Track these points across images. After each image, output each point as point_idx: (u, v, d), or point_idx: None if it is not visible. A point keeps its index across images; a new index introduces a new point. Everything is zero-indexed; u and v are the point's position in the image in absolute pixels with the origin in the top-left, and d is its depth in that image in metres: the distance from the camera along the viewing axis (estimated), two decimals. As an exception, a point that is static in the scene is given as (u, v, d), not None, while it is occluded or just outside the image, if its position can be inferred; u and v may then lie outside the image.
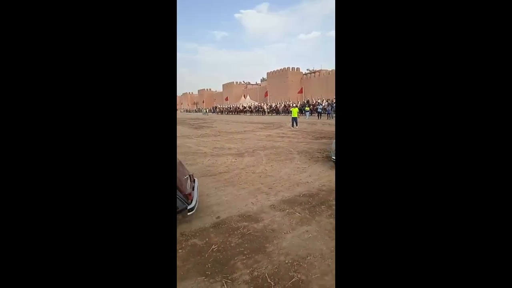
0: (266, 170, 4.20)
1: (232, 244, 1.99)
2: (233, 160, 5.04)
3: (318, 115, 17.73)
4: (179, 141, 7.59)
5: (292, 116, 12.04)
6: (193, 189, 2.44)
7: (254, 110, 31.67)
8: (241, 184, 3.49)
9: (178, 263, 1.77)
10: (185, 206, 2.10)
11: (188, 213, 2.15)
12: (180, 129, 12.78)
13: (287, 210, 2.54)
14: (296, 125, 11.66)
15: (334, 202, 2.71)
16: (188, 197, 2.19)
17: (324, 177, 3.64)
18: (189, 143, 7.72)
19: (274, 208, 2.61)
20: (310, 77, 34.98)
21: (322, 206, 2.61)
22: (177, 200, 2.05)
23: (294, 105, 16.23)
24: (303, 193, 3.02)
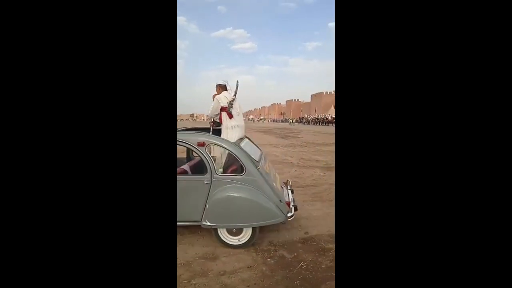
0: (359, 188, 3.78)
1: (322, 266, 1.85)
2: (321, 174, 4.82)
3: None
4: (266, 150, 7.95)
5: None
6: (290, 197, 2.40)
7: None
8: (331, 200, 3.27)
9: (267, 272, 1.79)
10: (284, 215, 2.05)
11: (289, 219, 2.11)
12: (267, 138, 13.43)
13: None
14: None
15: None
16: (287, 205, 2.16)
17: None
18: (276, 152, 7.97)
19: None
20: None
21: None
22: (276, 208, 2.04)
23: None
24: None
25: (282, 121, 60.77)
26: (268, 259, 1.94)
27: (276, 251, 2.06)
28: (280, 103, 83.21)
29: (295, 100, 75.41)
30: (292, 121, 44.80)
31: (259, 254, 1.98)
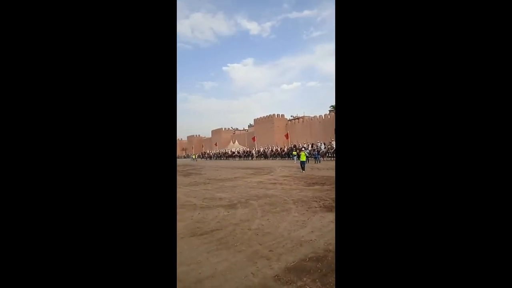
0: (262, 225, 3.82)
1: None
2: (225, 213, 4.62)
3: (306, 159, 17.93)
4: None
5: (301, 160, 11.97)
6: None
7: (242, 155, 31.71)
8: (236, 245, 3.07)
9: None
10: None
11: None
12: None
13: (295, 284, 2.14)
14: (303, 169, 11.42)
15: (347, 268, 2.35)
16: None
17: (327, 233, 3.31)
18: (178, 193, 7.22)
19: (279, 279, 2.21)
20: (294, 123, 36.61)
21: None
22: None
23: (304, 149, 16.30)
24: (309, 255, 2.65)
25: (184, 157, 58.21)
26: None
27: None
28: (181, 139, 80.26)
29: (196, 135, 75.03)
30: (195, 156, 43.63)
31: None
